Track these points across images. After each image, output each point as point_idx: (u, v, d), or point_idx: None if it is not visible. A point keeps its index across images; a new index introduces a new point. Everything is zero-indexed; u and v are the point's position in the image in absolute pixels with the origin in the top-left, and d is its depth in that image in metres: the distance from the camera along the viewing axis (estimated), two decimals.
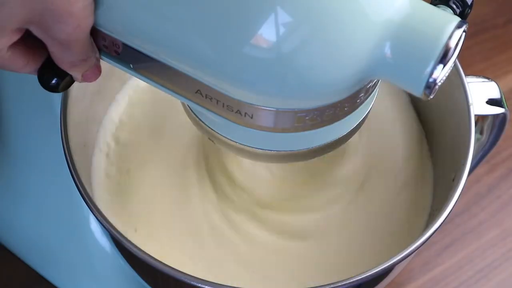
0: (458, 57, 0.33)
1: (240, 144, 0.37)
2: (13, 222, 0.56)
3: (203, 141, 0.51)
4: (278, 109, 0.33)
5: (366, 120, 0.38)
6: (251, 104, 0.33)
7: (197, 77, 0.34)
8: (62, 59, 0.35)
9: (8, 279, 0.56)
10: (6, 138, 0.53)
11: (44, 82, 0.36)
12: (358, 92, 0.34)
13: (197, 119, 0.38)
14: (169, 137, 0.51)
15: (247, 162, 0.49)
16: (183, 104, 0.39)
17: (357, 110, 0.36)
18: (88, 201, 0.41)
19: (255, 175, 0.49)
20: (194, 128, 0.40)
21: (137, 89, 0.53)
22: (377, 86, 0.36)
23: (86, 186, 0.42)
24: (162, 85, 0.36)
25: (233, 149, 0.38)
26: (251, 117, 0.34)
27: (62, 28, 0.32)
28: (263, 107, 0.33)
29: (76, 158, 0.42)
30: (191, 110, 0.38)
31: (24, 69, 0.36)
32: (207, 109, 0.35)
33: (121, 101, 0.52)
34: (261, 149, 0.37)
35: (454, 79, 0.46)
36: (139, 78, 0.36)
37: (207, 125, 0.38)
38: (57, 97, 0.44)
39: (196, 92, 0.35)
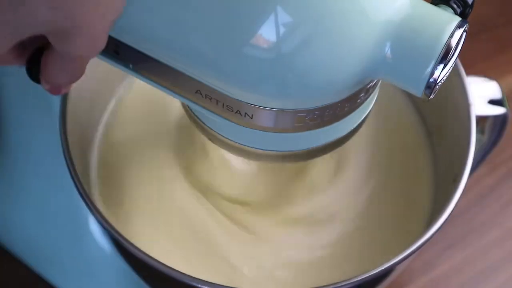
0: (458, 57, 0.33)
1: (240, 144, 0.37)
2: (12, 222, 0.55)
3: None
4: (278, 109, 0.33)
5: (366, 120, 0.38)
6: (251, 104, 0.33)
7: (197, 77, 0.34)
8: (53, 71, 0.32)
9: (8, 279, 0.56)
10: (5, 138, 0.53)
11: (33, 75, 0.35)
12: (358, 92, 0.34)
13: (197, 119, 0.38)
14: (166, 140, 0.51)
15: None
16: (183, 104, 0.38)
17: (357, 110, 0.35)
18: (88, 201, 0.41)
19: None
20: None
21: (136, 89, 0.53)
22: (377, 86, 0.36)
23: (86, 186, 0.42)
24: (162, 85, 0.36)
25: (233, 149, 0.38)
26: (251, 117, 0.34)
27: (78, 44, 0.29)
28: (263, 107, 0.33)
29: (75, 158, 0.42)
30: (191, 111, 0.38)
31: (12, 63, 0.33)
32: (207, 109, 0.35)
33: (121, 101, 0.52)
34: (261, 149, 0.37)
35: (454, 79, 0.46)
36: (139, 78, 0.36)
37: (207, 126, 0.38)
38: (56, 97, 0.45)
39: (196, 92, 0.35)
